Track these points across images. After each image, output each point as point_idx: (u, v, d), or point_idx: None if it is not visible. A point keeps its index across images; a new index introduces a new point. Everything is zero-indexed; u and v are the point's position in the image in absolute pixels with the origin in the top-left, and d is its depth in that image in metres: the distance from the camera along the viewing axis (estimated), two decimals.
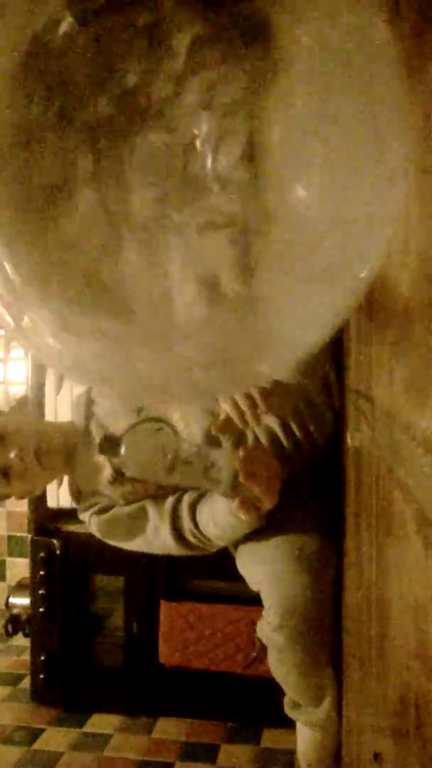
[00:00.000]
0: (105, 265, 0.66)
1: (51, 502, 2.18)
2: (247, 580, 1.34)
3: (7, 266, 0.67)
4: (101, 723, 2.16)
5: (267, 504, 1.16)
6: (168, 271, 0.64)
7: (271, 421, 1.28)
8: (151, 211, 0.63)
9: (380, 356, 0.60)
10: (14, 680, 2.42)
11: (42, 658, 2.23)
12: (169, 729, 2.10)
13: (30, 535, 2.28)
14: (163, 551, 1.40)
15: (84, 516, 1.46)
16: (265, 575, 1.26)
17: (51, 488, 2.17)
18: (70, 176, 0.64)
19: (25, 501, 2.42)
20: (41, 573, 2.21)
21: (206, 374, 0.72)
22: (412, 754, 0.47)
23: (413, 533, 0.44)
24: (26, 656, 2.38)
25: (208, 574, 2.13)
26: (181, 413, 1.33)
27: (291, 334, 0.68)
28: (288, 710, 1.35)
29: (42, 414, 2.07)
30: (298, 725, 1.38)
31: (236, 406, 1.17)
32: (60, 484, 2.15)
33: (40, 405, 2.05)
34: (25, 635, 2.50)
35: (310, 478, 1.33)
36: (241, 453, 1.14)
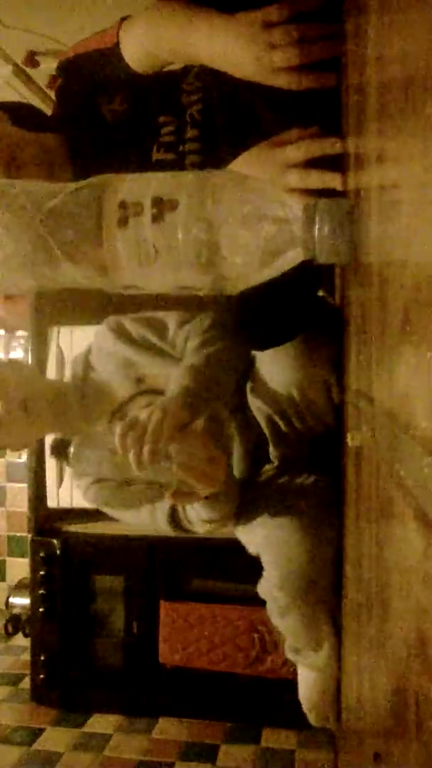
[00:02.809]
0: None
1: (51, 502, 2.18)
2: (245, 545, 1.36)
3: None
4: (101, 723, 2.16)
5: (202, 492, 1.19)
6: None
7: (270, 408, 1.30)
8: None
9: (380, 356, 0.59)
10: (14, 680, 2.42)
11: (42, 658, 2.23)
12: (169, 729, 2.10)
13: (30, 535, 2.28)
14: (155, 530, 1.40)
15: (81, 482, 1.44)
16: (264, 538, 1.28)
17: (51, 488, 2.17)
18: None
19: (25, 501, 2.43)
20: (41, 573, 2.21)
21: None
22: (412, 754, 0.47)
23: (413, 533, 0.44)
24: (26, 656, 2.38)
25: (208, 574, 2.13)
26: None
27: None
28: (289, 654, 1.38)
29: None
30: (299, 670, 1.41)
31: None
32: (60, 484, 2.15)
33: None
34: (25, 635, 2.51)
35: (307, 448, 1.35)
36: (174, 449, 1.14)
